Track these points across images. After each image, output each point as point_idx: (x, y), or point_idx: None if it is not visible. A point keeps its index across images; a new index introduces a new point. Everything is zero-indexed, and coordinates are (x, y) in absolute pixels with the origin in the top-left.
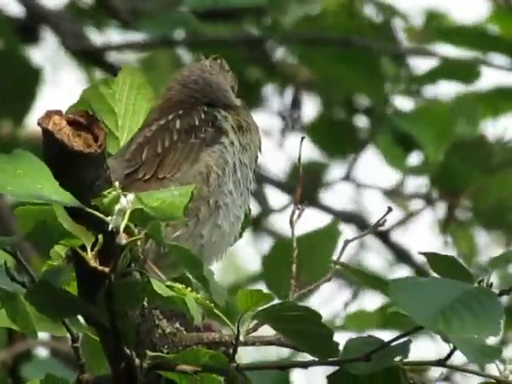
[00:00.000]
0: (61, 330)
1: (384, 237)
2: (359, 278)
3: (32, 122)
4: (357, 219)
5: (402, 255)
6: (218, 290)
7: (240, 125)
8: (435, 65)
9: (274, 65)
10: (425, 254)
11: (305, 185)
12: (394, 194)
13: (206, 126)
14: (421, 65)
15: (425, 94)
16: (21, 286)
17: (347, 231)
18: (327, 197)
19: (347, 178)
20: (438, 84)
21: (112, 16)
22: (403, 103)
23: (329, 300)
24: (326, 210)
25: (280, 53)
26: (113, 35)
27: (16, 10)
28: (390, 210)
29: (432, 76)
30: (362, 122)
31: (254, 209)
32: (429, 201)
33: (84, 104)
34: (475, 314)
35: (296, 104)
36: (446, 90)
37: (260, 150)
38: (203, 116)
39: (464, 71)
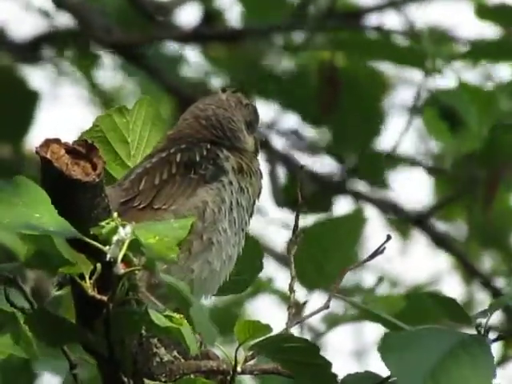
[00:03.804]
0: (60, 355)
1: (421, 223)
2: (358, 312)
3: (32, 141)
4: (392, 205)
5: (439, 241)
6: (207, 329)
7: (241, 167)
8: (475, 43)
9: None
10: (427, 294)
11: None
12: (437, 172)
13: (207, 163)
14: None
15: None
16: (20, 311)
17: (373, 216)
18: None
19: (389, 156)
20: (477, 63)
21: (139, 12)
22: (446, 80)
23: None
24: (360, 196)
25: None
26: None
27: (19, 29)
28: (388, 238)
29: (472, 54)
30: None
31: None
32: (472, 178)
33: (97, 131)
34: (465, 372)
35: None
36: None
37: (258, 196)
38: (205, 153)
39: (502, 49)
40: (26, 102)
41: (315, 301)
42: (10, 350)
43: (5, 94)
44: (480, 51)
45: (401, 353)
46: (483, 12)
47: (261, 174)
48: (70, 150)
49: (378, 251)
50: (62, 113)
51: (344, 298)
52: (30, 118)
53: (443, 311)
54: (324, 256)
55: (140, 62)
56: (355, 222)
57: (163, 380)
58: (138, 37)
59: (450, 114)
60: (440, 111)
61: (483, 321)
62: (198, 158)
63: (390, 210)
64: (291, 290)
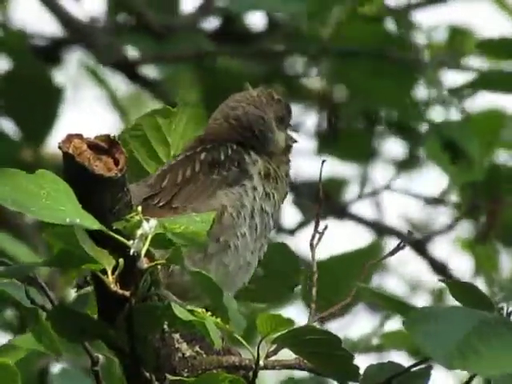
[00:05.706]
0: (81, 352)
1: (420, 248)
2: (383, 302)
3: (54, 143)
4: (394, 231)
5: (437, 267)
6: (237, 318)
7: (268, 172)
8: (474, 76)
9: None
10: (444, 280)
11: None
12: (437, 202)
13: (231, 164)
14: (453, 79)
15: (465, 106)
16: (41, 309)
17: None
18: (362, 207)
19: (388, 187)
20: (477, 95)
21: (145, 30)
22: (448, 113)
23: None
24: (361, 220)
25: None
26: (146, 49)
27: (39, 31)
28: (409, 234)
29: (473, 85)
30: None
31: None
32: (472, 209)
33: (137, 130)
34: (492, 347)
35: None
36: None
37: (283, 201)
38: (230, 152)
39: (504, 81)
40: (50, 99)
41: None
42: (32, 346)
43: (29, 91)
44: (486, 81)
45: (427, 325)
46: (484, 46)
47: (288, 178)
48: (93, 146)
49: (399, 248)
50: (82, 116)
51: (365, 286)
52: (54, 114)
53: (462, 297)
54: (333, 288)
55: (143, 81)
56: (370, 255)
57: (185, 375)
58: (142, 55)
59: (451, 146)
60: (442, 142)
61: (505, 305)
62: (222, 157)
63: (389, 234)
64: (312, 285)
